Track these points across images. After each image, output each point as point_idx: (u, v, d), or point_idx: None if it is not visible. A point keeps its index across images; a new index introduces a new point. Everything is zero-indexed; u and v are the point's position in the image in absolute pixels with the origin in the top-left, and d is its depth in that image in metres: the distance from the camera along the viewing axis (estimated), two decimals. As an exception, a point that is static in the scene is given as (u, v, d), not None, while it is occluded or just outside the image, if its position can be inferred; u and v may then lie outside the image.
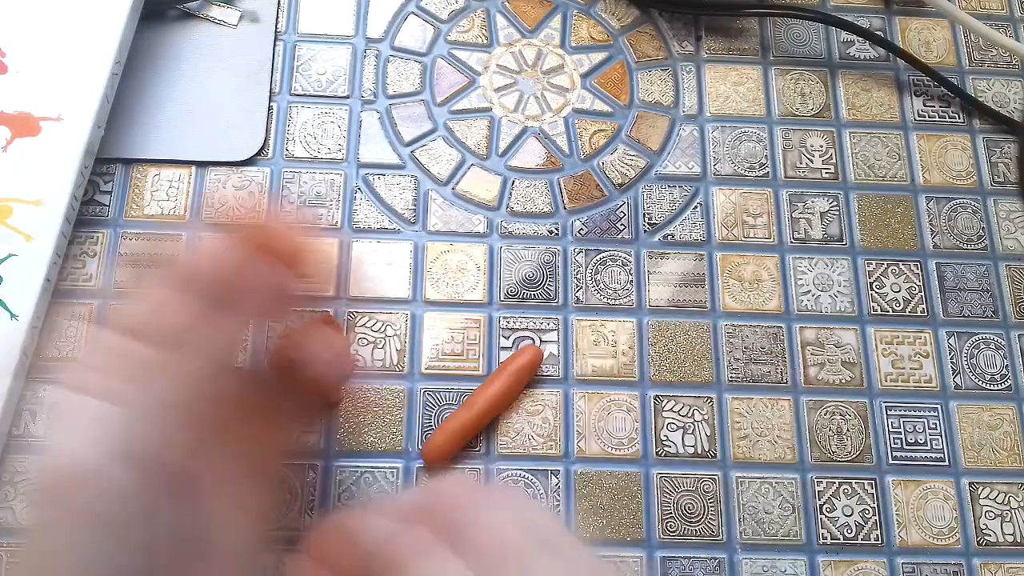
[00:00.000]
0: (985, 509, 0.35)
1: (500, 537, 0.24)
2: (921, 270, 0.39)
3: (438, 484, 0.27)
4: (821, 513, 0.35)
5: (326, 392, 0.33)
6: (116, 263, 0.37)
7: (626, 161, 0.40)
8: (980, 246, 0.40)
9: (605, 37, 0.43)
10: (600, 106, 0.41)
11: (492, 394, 0.35)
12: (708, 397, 0.36)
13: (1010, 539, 0.35)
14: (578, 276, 0.38)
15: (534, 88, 0.41)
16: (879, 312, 0.38)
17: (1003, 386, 0.37)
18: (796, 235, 0.39)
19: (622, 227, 0.39)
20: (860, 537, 0.35)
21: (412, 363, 0.36)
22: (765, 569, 0.34)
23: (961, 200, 0.40)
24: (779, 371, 0.37)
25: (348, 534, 0.25)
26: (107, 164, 0.38)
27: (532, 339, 0.37)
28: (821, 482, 0.35)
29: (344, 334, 0.33)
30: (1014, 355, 0.38)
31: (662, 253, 0.39)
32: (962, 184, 0.41)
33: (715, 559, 0.34)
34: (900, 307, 0.38)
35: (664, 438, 0.36)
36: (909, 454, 0.36)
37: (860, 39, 0.43)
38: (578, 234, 0.39)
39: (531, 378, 0.36)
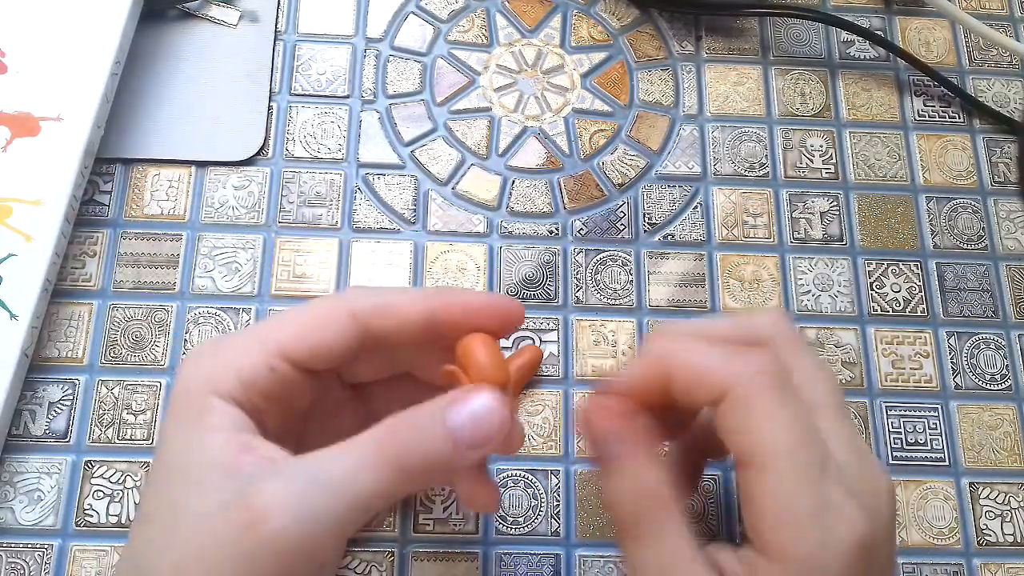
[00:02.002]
0: (985, 509, 0.35)
1: (819, 389, 0.25)
2: (921, 270, 0.39)
3: (751, 318, 0.27)
4: (821, 513, 0.35)
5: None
6: (116, 263, 0.37)
7: (626, 161, 0.40)
8: (980, 246, 0.40)
9: (605, 37, 0.43)
10: (600, 106, 0.41)
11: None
12: (708, 397, 0.36)
13: (1010, 539, 0.35)
14: (578, 276, 0.38)
15: (534, 88, 0.41)
16: (879, 312, 0.38)
17: (1003, 386, 0.37)
18: (796, 235, 0.39)
19: (622, 227, 0.39)
20: (860, 537, 0.35)
21: (412, 363, 0.36)
22: (765, 569, 0.34)
23: (961, 200, 0.40)
24: (779, 371, 0.37)
25: (659, 355, 0.24)
26: (107, 164, 0.38)
27: (532, 339, 0.37)
28: (821, 482, 0.35)
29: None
30: (1014, 355, 0.38)
31: (662, 253, 0.39)
32: (962, 184, 0.41)
33: (715, 559, 0.34)
34: (900, 307, 0.38)
35: (664, 438, 0.36)
36: (909, 454, 0.36)
37: (860, 39, 0.43)
38: (578, 234, 0.39)
39: (531, 378, 0.36)
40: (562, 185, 0.39)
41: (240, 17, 0.41)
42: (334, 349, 0.24)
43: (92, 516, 0.33)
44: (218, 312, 0.36)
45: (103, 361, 0.35)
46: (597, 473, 0.25)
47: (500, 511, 0.34)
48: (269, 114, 0.40)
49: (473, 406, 0.23)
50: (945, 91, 0.42)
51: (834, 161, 0.41)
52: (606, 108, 0.41)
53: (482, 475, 0.26)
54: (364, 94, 0.41)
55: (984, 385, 0.37)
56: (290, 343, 0.24)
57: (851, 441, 0.25)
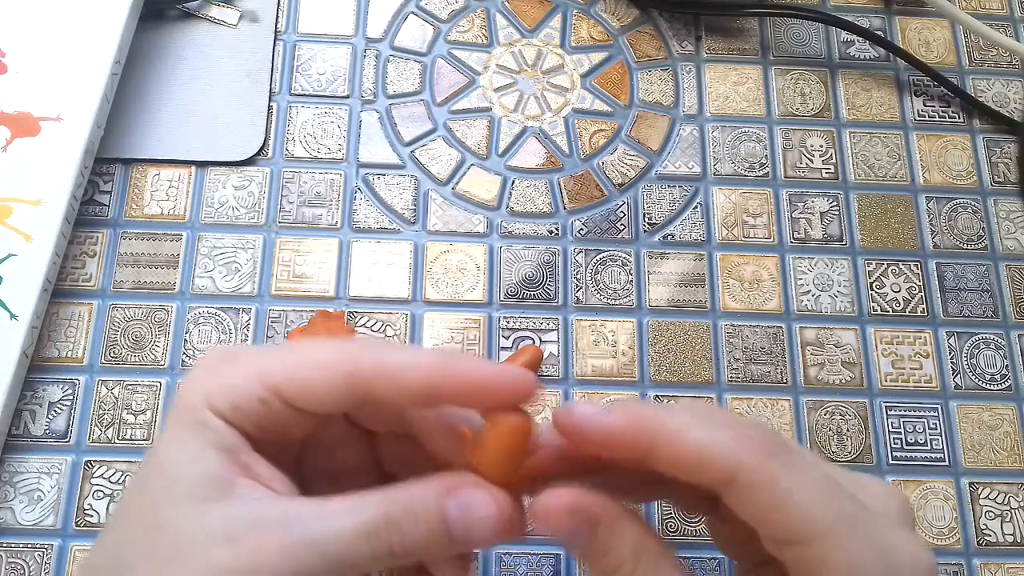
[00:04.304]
0: (985, 509, 0.35)
1: (823, 468, 0.24)
2: (921, 270, 0.39)
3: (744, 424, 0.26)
4: (821, 513, 0.35)
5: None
6: (116, 263, 0.37)
7: (626, 161, 0.40)
8: (980, 246, 0.40)
9: (605, 37, 0.43)
10: (600, 106, 0.41)
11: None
12: (708, 397, 0.36)
13: (1010, 539, 0.35)
14: (578, 276, 0.38)
15: (534, 88, 0.41)
16: (879, 312, 0.38)
17: (1003, 386, 0.37)
18: (796, 235, 0.39)
19: (622, 227, 0.39)
20: (860, 537, 0.35)
21: (412, 363, 0.36)
22: (765, 569, 0.34)
23: (961, 200, 0.40)
24: (779, 371, 0.37)
25: (644, 419, 0.23)
26: (107, 164, 0.38)
27: (532, 339, 0.37)
28: (821, 482, 0.35)
29: (345, 321, 0.33)
30: (1014, 355, 0.38)
31: (662, 253, 0.39)
32: (962, 184, 0.41)
33: (715, 559, 0.34)
34: (900, 307, 0.38)
35: (664, 438, 0.36)
36: (909, 454, 0.36)
37: (860, 39, 0.43)
38: (578, 234, 0.39)
39: (531, 378, 0.36)
40: (562, 185, 0.39)
41: (240, 17, 0.41)
42: (325, 401, 0.24)
43: (92, 516, 0.33)
44: (218, 312, 0.36)
45: (103, 361, 0.35)
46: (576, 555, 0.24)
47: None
48: (269, 114, 0.40)
49: (471, 503, 0.23)
50: (945, 91, 0.42)
51: (834, 161, 0.41)
52: (606, 108, 0.41)
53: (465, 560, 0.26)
54: (364, 94, 0.41)
55: (984, 385, 0.37)
56: (284, 383, 0.23)
57: (851, 475, 0.24)
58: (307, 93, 0.40)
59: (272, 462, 0.24)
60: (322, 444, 0.27)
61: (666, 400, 0.36)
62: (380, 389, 0.23)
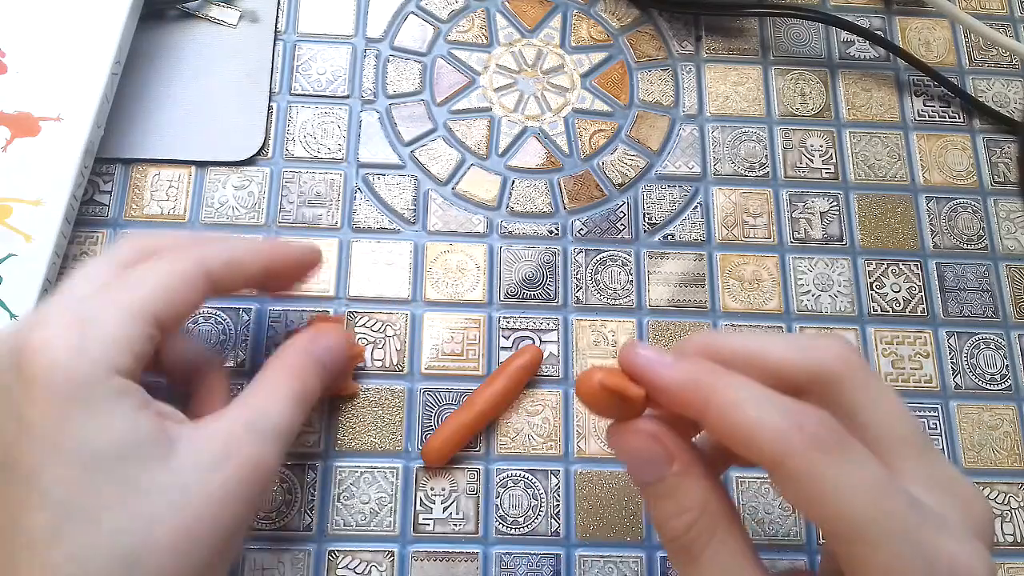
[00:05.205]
0: (985, 509, 0.35)
1: (895, 425, 0.23)
2: (921, 270, 0.39)
3: (815, 345, 0.24)
4: (821, 513, 0.35)
5: (337, 383, 0.34)
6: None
7: (626, 161, 0.40)
8: (980, 246, 0.40)
9: (605, 37, 0.43)
10: (600, 106, 0.41)
11: (492, 394, 0.35)
12: (708, 397, 0.36)
13: (1010, 539, 0.35)
14: (578, 276, 0.38)
15: (534, 88, 0.41)
16: (879, 312, 0.38)
17: (1003, 386, 0.37)
18: (796, 235, 0.39)
19: (622, 227, 0.39)
20: (860, 537, 0.35)
21: (412, 363, 0.36)
22: (765, 569, 0.34)
23: (961, 200, 0.40)
24: (779, 371, 0.37)
25: (702, 380, 0.22)
26: (107, 164, 0.38)
27: (532, 339, 0.37)
28: (821, 482, 0.35)
29: (345, 326, 0.33)
30: (1014, 355, 0.38)
31: (662, 253, 0.39)
32: (962, 184, 0.41)
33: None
34: (900, 307, 0.38)
35: (664, 438, 0.36)
36: (909, 454, 0.36)
37: (860, 39, 0.43)
38: (578, 234, 0.39)
39: (531, 378, 0.36)
40: (562, 185, 0.39)
41: (240, 17, 0.41)
42: (192, 310, 0.27)
43: (92, 516, 0.33)
44: (218, 312, 0.36)
45: (103, 361, 0.35)
46: (638, 491, 0.24)
47: (500, 511, 0.34)
48: (269, 114, 0.40)
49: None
50: (945, 91, 0.42)
51: (834, 161, 0.41)
52: (606, 108, 0.41)
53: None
54: (364, 94, 0.41)
55: (984, 385, 0.37)
56: (161, 310, 0.25)
57: (940, 475, 0.23)
58: (307, 93, 0.40)
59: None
60: None
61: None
62: (230, 282, 0.28)
